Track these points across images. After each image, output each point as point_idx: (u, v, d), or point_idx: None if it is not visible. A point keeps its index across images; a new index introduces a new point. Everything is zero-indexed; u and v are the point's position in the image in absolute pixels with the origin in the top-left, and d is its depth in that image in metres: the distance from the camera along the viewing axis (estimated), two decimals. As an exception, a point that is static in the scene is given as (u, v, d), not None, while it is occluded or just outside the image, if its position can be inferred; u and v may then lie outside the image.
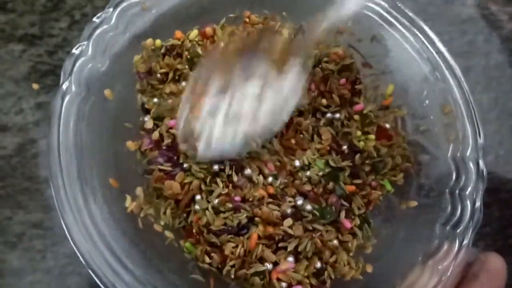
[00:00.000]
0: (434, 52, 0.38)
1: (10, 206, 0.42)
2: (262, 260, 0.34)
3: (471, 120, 0.37)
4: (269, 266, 0.34)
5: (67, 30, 0.48)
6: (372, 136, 0.39)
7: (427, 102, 0.39)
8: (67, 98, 0.33)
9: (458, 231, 0.34)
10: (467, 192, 0.35)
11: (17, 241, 0.42)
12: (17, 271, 0.41)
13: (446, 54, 0.38)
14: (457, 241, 0.34)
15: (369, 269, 0.36)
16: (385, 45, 0.40)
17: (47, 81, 0.46)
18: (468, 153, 0.36)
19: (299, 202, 0.35)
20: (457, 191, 0.36)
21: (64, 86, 0.33)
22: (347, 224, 0.36)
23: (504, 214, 0.48)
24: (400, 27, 0.39)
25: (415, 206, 0.37)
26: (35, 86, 0.46)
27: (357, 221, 0.37)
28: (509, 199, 0.48)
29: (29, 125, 0.45)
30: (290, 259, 0.34)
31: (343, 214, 0.36)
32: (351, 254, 0.36)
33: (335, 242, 0.35)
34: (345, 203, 0.37)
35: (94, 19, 0.35)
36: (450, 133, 0.37)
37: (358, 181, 0.38)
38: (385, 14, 0.39)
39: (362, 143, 0.38)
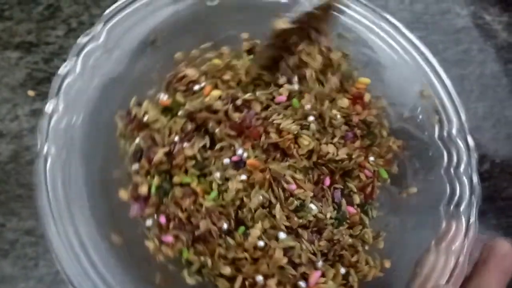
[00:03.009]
0: (400, 38, 0.39)
1: (3, 213, 0.42)
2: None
3: (450, 98, 0.37)
4: (303, 285, 0.33)
5: (64, 38, 0.48)
6: (345, 101, 0.38)
7: (404, 88, 0.39)
8: (53, 120, 0.32)
9: (462, 208, 0.34)
10: (461, 169, 0.35)
11: (9, 248, 0.41)
12: (9, 278, 0.41)
13: (413, 38, 0.39)
14: (463, 219, 0.34)
15: (387, 264, 0.35)
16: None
17: (43, 88, 0.46)
18: (454, 132, 0.36)
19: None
20: (451, 170, 0.36)
21: (50, 107, 0.32)
22: (351, 210, 0.36)
23: (501, 222, 0.48)
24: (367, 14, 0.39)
25: (416, 192, 0.37)
26: (31, 93, 0.46)
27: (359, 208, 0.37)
28: (505, 207, 0.48)
29: (24, 132, 0.45)
30: (320, 263, 0.34)
31: (344, 203, 0.36)
32: (366, 248, 0.36)
33: (350, 240, 0.35)
34: (339, 185, 0.36)
35: (82, 36, 0.34)
36: (432, 115, 0.38)
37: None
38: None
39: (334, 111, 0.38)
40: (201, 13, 0.38)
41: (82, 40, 0.34)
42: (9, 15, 0.49)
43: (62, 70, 0.33)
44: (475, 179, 0.35)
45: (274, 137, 0.35)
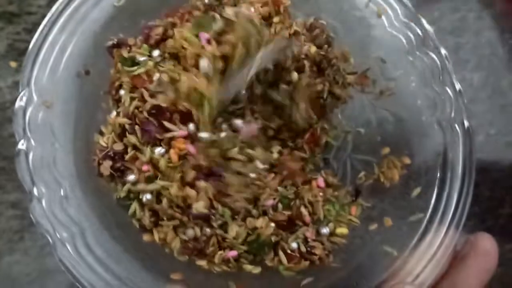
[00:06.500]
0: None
1: (-13, 186, 0.42)
2: None
3: (435, 51, 0.36)
4: None
5: (46, 8, 0.47)
6: None
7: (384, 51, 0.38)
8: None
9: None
10: (452, 115, 0.35)
11: (-6, 221, 0.41)
12: (-6, 252, 0.40)
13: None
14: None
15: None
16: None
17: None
18: (440, 78, 0.36)
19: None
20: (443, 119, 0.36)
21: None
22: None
23: (494, 194, 0.47)
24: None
25: None
26: (13, 64, 0.45)
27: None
28: (499, 178, 0.47)
29: (7, 104, 0.44)
30: None
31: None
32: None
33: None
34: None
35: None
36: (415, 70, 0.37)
37: None
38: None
39: None
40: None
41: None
42: (-10, -16, 0.47)
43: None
44: (467, 124, 0.35)
45: None
